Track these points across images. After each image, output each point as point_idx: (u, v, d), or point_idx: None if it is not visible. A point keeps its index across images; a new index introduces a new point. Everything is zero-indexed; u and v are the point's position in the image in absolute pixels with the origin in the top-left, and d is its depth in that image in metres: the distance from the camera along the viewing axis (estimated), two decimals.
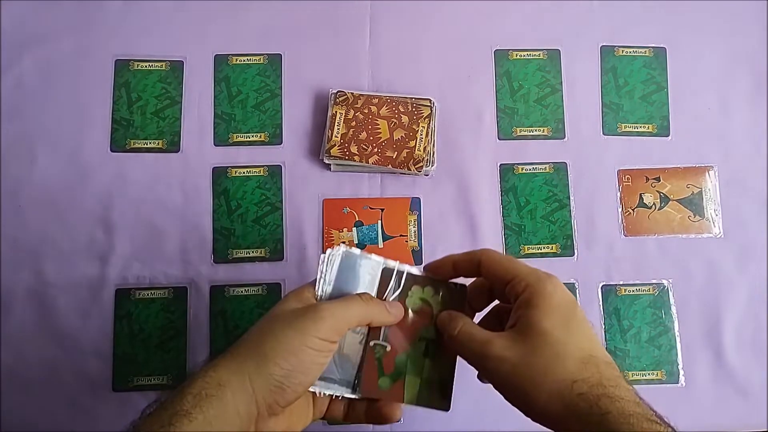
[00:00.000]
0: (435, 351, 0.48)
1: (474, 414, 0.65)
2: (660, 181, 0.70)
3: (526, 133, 0.70)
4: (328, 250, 0.48)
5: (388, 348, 0.48)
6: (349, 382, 0.47)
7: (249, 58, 0.71)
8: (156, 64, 0.70)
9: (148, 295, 0.66)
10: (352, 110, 0.67)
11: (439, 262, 0.49)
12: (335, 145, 0.66)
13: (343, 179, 0.69)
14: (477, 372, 0.46)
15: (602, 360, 0.41)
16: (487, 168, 0.69)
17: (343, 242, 0.63)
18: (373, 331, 0.48)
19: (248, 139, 0.69)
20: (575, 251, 0.68)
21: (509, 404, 0.67)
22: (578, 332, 0.42)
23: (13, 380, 0.64)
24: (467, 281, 0.50)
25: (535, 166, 0.70)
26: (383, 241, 0.68)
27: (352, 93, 0.68)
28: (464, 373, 0.65)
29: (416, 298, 0.49)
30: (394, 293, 0.49)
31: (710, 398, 0.66)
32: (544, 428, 0.55)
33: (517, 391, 0.42)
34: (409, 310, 0.49)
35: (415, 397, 0.48)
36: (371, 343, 0.48)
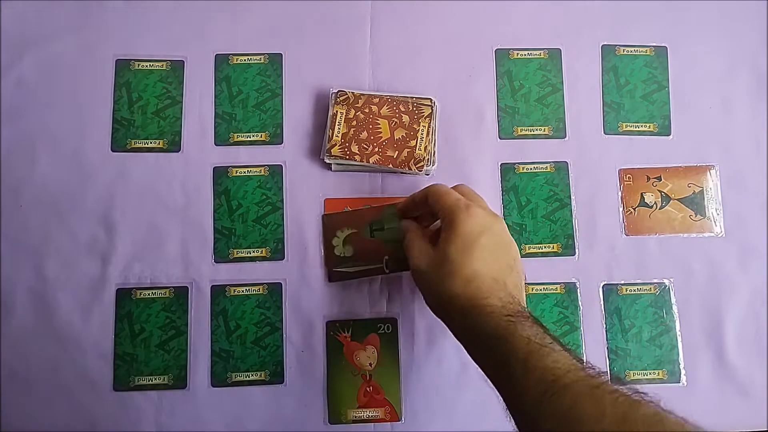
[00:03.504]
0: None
1: (474, 414, 0.65)
2: (661, 180, 0.70)
3: (527, 133, 0.70)
4: None
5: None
6: None
7: (250, 57, 0.71)
8: (157, 63, 0.70)
9: (149, 294, 0.66)
10: (352, 110, 0.67)
11: (405, 202, 0.63)
12: (336, 144, 0.66)
13: (344, 179, 0.68)
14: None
15: (487, 277, 0.52)
16: (488, 167, 0.69)
17: None
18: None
19: (249, 139, 0.69)
20: (576, 251, 0.68)
21: None
22: (473, 256, 0.52)
23: (14, 380, 0.64)
24: None
25: (536, 166, 0.69)
26: None
27: (352, 92, 0.68)
28: (465, 375, 0.65)
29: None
30: None
31: (712, 398, 0.66)
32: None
33: (421, 288, 0.57)
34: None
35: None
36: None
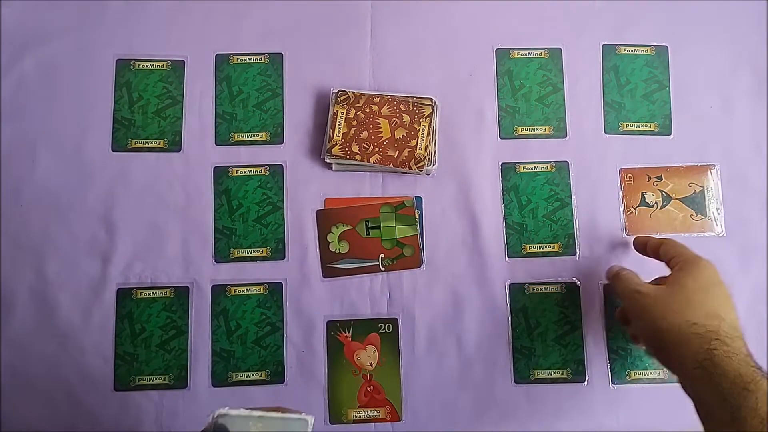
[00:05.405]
0: None
1: (474, 414, 0.65)
2: (662, 179, 0.70)
3: (527, 132, 0.70)
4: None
5: None
6: None
7: (250, 57, 0.71)
8: (157, 63, 0.70)
9: (149, 294, 0.66)
10: (353, 109, 0.67)
11: (639, 242, 0.64)
12: (336, 144, 0.66)
13: (345, 178, 0.68)
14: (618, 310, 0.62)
15: (728, 323, 0.50)
16: (488, 167, 0.69)
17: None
18: None
19: (249, 139, 0.69)
20: (577, 250, 0.68)
21: (511, 404, 0.67)
22: (715, 297, 0.52)
23: (15, 379, 0.64)
24: None
25: (536, 165, 0.69)
26: None
27: (353, 92, 0.68)
28: (466, 375, 0.65)
29: None
30: None
31: None
32: None
33: (647, 318, 0.54)
34: None
35: None
36: None
